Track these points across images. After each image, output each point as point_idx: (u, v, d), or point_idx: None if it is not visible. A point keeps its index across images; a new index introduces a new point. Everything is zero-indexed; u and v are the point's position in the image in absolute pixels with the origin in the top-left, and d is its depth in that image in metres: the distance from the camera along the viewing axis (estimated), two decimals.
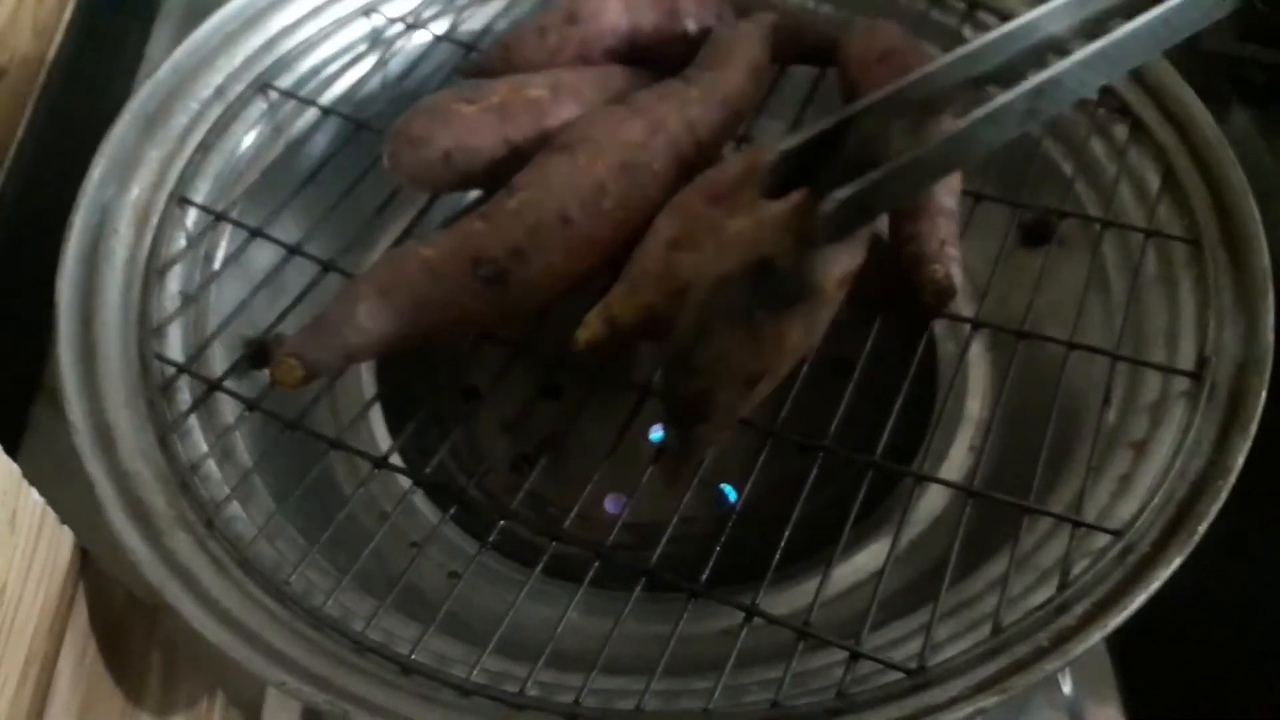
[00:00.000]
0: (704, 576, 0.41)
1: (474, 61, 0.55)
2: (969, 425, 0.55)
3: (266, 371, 0.43)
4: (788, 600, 0.48)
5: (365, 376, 0.58)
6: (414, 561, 0.44)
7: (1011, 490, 0.43)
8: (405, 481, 0.51)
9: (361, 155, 0.53)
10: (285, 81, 0.57)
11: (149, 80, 0.54)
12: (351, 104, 0.58)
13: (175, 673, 0.52)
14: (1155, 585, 0.39)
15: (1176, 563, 0.39)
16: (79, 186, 0.51)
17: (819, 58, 0.56)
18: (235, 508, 0.45)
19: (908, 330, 0.48)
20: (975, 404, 0.56)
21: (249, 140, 0.56)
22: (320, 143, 0.58)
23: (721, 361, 0.38)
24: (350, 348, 0.43)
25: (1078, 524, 0.41)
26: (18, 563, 0.40)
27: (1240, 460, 0.42)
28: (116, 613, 0.47)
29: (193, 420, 0.46)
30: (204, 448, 0.46)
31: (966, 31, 0.58)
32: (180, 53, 0.55)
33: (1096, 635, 0.38)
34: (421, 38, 0.60)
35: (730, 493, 0.56)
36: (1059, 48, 0.39)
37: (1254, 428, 0.43)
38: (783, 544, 0.42)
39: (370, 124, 0.55)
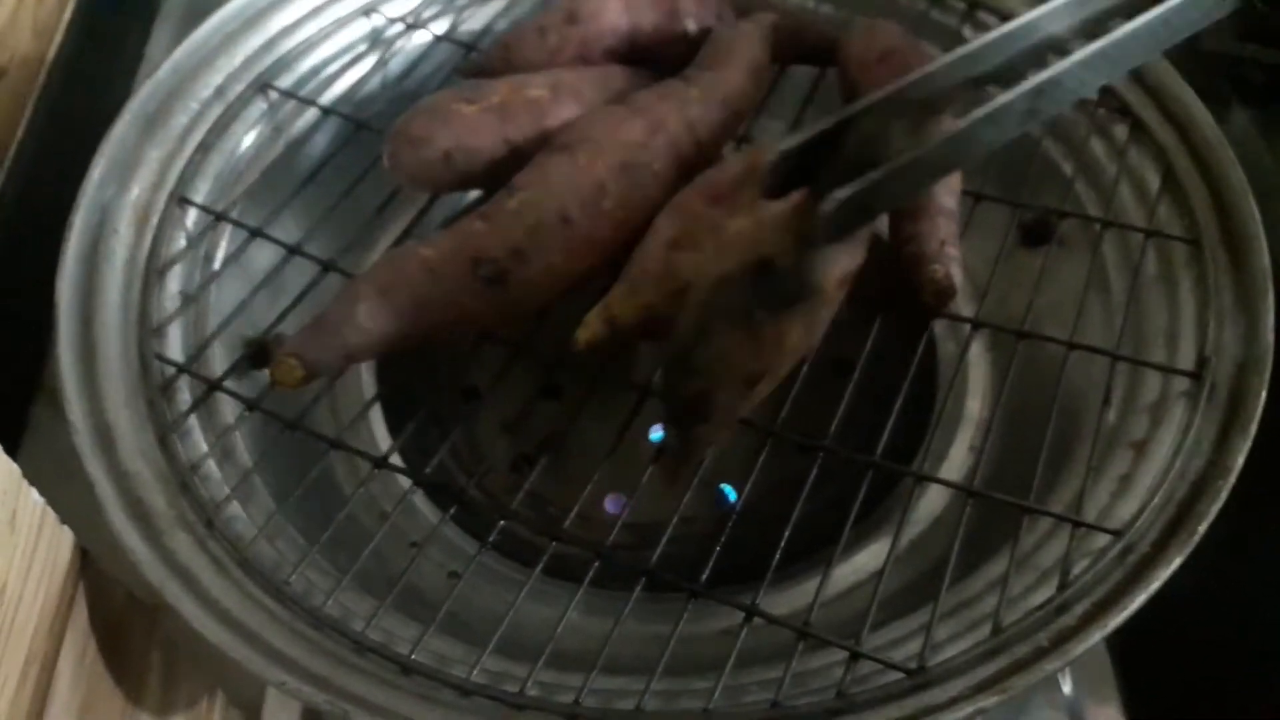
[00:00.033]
0: (704, 576, 0.41)
1: (474, 61, 0.55)
2: (969, 425, 0.55)
3: (266, 371, 0.43)
4: (788, 600, 0.48)
5: (365, 376, 0.58)
6: (414, 561, 0.44)
7: (1011, 490, 0.43)
8: (405, 481, 0.51)
9: (361, 155, 0.53)
10: (285, 81, 0.57)
11: (149, 80, 0.54)
12: (351, 104, 0.58)
13: (175, 673, 0.52)
14: (1155, 585, 0.39)
15: (1176, 563, 0.39)
16: (79, 186, 0.50)
17: (819, 58, 0.56)
18: (235, 508, 0.45)
19: (908, 330, 0.48)
20: (975, 404, 0.56)
21: (249, 140, 0.56)
22: (320, 143, 0.58)
23: (721, 361, 0.38)
24: (350, 348, 0.43)
25: (1078, 524, 0.41)
26: (18, 563, 0.40)
27: (1240, 460, 0.42)
28: (116, 613, 0.47)
29: (193, 420, 0.46)
30: (204, 448, 0.46)
31: (966, 31, 0.58)
32: (180, 53, 0.55)
33: (1096, 635, 0.38)
34: (421, 38, 0.60)
35: (730, 493, 0.56)
36: (1059, 48, 0.39)
37: (1254, 428, 0.43)
38: (783, 544, 0.42)
39: (370, 124, 0.55)
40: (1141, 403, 0.46)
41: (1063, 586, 0.40)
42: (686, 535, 0.45)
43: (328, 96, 0.58)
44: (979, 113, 0.36)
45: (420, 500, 0.54)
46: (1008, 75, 0.39)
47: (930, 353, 0.57)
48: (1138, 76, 0.54)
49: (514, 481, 0.53)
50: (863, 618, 0.40)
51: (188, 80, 0.55)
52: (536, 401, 0.54)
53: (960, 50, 0.39)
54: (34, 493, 0.41)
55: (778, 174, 0.37)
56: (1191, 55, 0.41)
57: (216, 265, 0.53)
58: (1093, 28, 0.39)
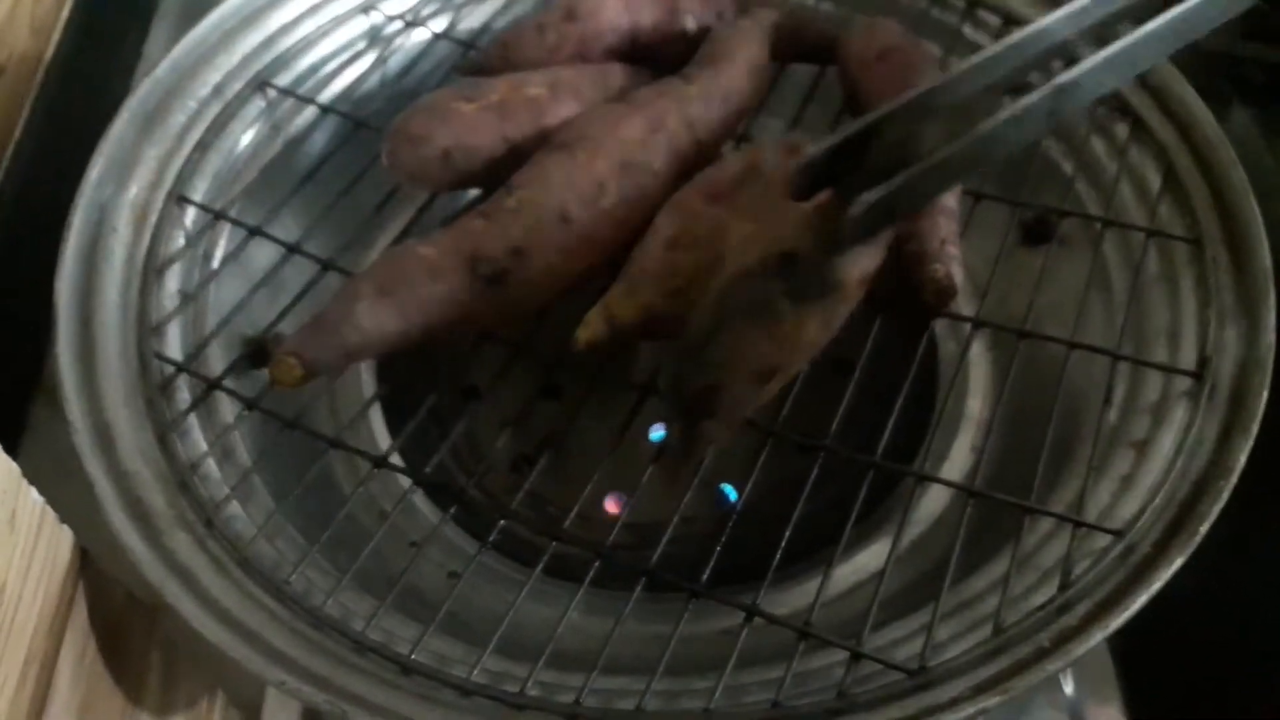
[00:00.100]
0: (704, 576, 0.41)
1: (473, 59, 0.55)
2: (970, 425, 0.55)
3: (265, 370, 0.43)
4: (788, 600, 0.48)
5: (365, 376, 0.58)
6: (414, 561, 0.44)
7: (1013, 490, 0.43)
8: (405, 481, 0.51)
9: (360, 153, 0.53)
10: (284, 79, 0.57)
11: (147, 78, 0.54)
12: (350, 102, 0.58)
13: (175, 672, 0.52)
14: (1157, 585, 0.39)
15: (1178, 563, 0.39)
16: (77, 185, 0.50)
17: (819, 56, 0.56)
18: (235, 507, 0.44)
19: (908, 330, 0.48)
20: (976, 404, 0.56)
21: (248, 138, 0.56)
22: (319, 141, 0.58)
23: (736, 355, 0.39)
24: (349, 347, 0.43)
25: (1079, 524, 0.41)
26: (17, 562, 0.40)
27: (1242, 460, 0.42)
28: (116, 612, 0.47)
29: (192, 419, 0.46)
30: (203, 447, 0.46)
31: (966, 30, 0.58)
32: (179, 51, 0.55)
33: (1098, 635, 0.38)
34: (420, 35, 0.60)
35: (731, 493, 0.56)
36: (1065, 53, 0.40)
37: (1255, 427, 0.43)
38: (783, 544, 0.42)
39: (369, 122, 0.55)
40: (1143, 402, 0.46)
41: (1064, 587, 0.40)
42: (687, 535, 0.45)
43: (326, 94, 0.58)
44: (1005, 113, 0.36)
45: (420, 500, 0.54)
46: (1020, 80, 0.39)
47: (931, 352, 0.57)
48: (1139, 76, 0.53)
49: (514, 481, 0.53)
50: (864, 618, 0.40)
51: (186, 78, 0.55)
52: (536, 401, 0.53)
53: (982, 54, 0.39)
54: (33, 492, 0.41)
55: (806, 178, 0.37)
56: (1192, 54, 0.41)
57: (215, 264, 0.53)
58: (1100, 31, 0.40)
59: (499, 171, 0.47)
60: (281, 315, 0.49)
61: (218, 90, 0.56)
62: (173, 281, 0.51)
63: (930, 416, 0.51)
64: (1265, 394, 0.44)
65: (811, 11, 0.61)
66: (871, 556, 0.51)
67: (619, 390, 0.47)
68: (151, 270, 0.50)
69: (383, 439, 0.56)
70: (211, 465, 0.46)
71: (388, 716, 0.38)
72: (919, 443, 0.48)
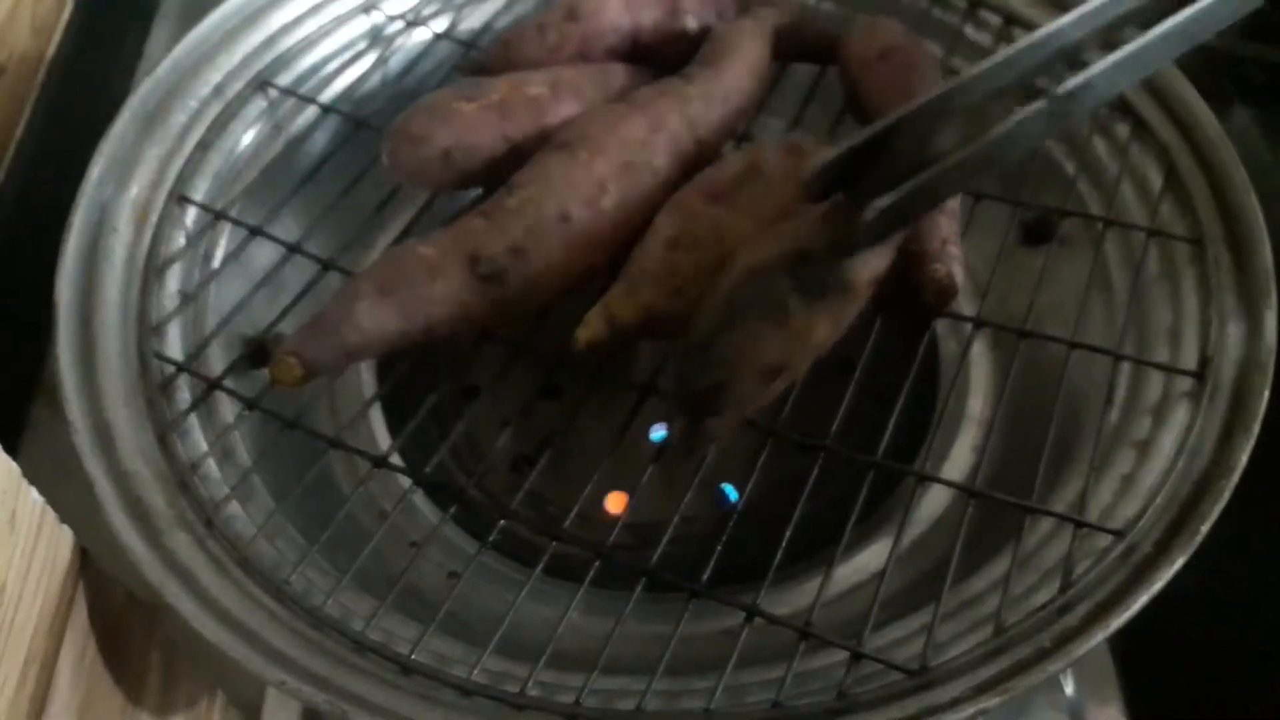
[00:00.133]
0: (705, 576, 0.41)
1: (474, 59, 0.55)
2: (971, 425, 0.55)
3: (266, 370, 0.43)
4: (789, 600, 0.48)
5: (365, 376, 0.58)
6: (414, 561, 0.44)
7: (1013, 490, 0.43)
8: (405, 481, 0.51)
9: (361, 153, 0.53)
10: (285, 79, 0.57)
11: (148, 78, 0.54)
12: (351, 102, 0.58)
13: (175, 672, 0.52)
14: (1158, 585, 0.39)
15: (1179, 563, 0.39)
16: (78, 185, 0.50)
17: (820, 55, 0.56)
18: (235, 507, 0.44)
19: (909, 329, 0.48)
20: (977, 403, 0.56)
21: (248, 138, 0.56)
22: (320, 141, 0.58)
23: (744, 352, 0.39)
24: (349, 346, 0.43)
25: (1080, 524, 0.41)
26: (17, 562, 0.40)
27: (1243, 460, 0.42)
28: (116, 612, 0.47)
29: (192, 419, 0.46)
30: (203, 447, 0.46)
31: (968, 30, 0.58)
32: (179, 50, 0.55)
33: (1099, 636, 0.38)
34: (421, 35, 0.60)
35: (731, 492, 0.56)
36: (1071, 56, 0.40)
37: (1256, 427, 0.43)
38: (784, 544, 0.42)
39: (370, 122, 0.55)
40: (1144, 402, 0.46)
41: (1065, 587, 0.40)
42: (687, 535, 0.45)
43: (327, 94, 0.58)
44: (1018, 116, 0.37)
45: (420, 500, 0.54)
46: (1030, 83, 0.40)
47: (932, 352, 0.57)
48: None
49: (514, 481, 0.53)
50: (864, 618, 0.40)
51: (187, 78, 0.55)
52: (536, 401, 0.53)
53: (993, 58, 0.39)
54: (33, 492, 0.41)
55: (821, 182, 0.37)
56: (1193, 54, 0.41)
57: (216, 264, 0.53)
58: (1109, 34, 0.40)
59: (499, 171, 0.47)
60: (282, 315, 0.49)
61: (218, 90, 0.56)
62: (173, 281, 0.51)
63: (931, 416, 0.51)
64: (1266, 394, 0.43)
65: (812, 11, 0.61)
66: (872, 556, 0.51)
67: (619, 390, 0.47)
68: (152, 270, 0.50)
69: (383, 439, 0.56)
70: (211, 465, 0.46)
71: (388, 716, 0.38)
72: (920, 443, 0.48)
